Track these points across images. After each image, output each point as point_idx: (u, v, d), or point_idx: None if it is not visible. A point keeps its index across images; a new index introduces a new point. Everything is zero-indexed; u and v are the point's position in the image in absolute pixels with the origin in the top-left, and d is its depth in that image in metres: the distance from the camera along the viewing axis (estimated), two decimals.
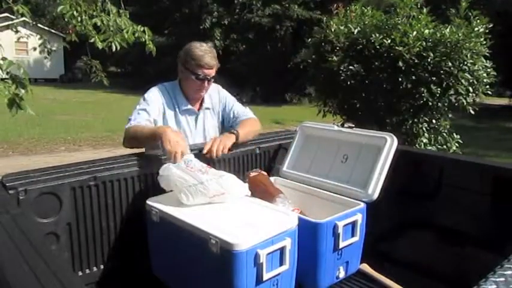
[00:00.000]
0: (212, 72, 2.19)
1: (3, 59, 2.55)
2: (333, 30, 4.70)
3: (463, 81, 4.21)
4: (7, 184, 1.56)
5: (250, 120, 2.30)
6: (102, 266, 1.83)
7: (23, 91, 2.70)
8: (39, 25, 5.47)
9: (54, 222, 1.68)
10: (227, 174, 1.75)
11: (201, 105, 2.30)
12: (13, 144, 8.71)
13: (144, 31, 4.05)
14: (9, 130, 9.62)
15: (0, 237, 1.10)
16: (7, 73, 2.64)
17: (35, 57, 20.60)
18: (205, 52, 2.15)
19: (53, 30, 12.98)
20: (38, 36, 4.68)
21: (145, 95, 2.21)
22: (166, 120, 2.20)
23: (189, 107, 2.25)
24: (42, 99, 14.92)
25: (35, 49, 4.75)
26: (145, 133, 1.98)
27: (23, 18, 4.24)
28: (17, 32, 4.74)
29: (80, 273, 1.78)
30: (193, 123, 2.27)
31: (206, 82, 2.19)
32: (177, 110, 2.23)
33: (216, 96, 2.36)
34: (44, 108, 12.67)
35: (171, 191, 1.76)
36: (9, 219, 1.22)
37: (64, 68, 26.08)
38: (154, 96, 2.21)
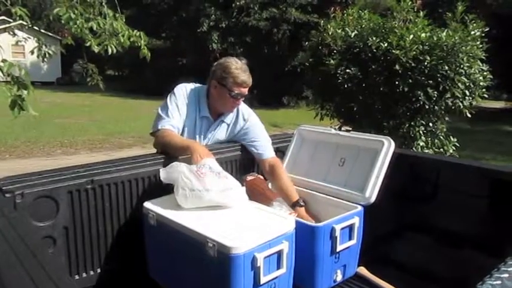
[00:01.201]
0: (246, 91, 2.17)
1: (4, 61, 2.55)
2: (330, 33, 4.71)
3: (459, 84, 4.22)
4: (4, 188, 1.56)
5: (279, 163, 2.22)
6: (99, 270, 1.83)
7: (25, 92, 2.71)
8: (35, 28, 5.46)
9: (51, 226, 1.68)
10: (236, 188, 1.74)
11: (218, 116, 2.27)
12: (10, 148, 8.67)
13: (140, 36, 4.04)
14: (6, 133, 9.58)
15: None
16: (8, 75, 2.64)
17: (31, 60, 20.52)
18: (242, 70, 2.13)
19: (50, 33, 12.96)
20: (36, 40, 4.67)
21: (176, 92, 2.19)
22: (186, 122, 2.19)
23: (208, 115, 2.22)
24: (39, 102, 14.88)
25: (32, 52, 4.74)
26: (178, 146, 1.97)
27: (20, 22, 4.23)
28: (14, 35, 4.73)
29: (77, 277, 1.77)
30: (205, 130, 2.24)
31: (240, 100, 2.17)
32: (197, 113, 2.21)
33: (240, 117, 2.29)
34: (40, 111, 12.58)
35: (170, 193, 1.76)
36: (5, 223, 1.22)
37: (61, 71, 26.02)
38: (184, 94, 2.19)
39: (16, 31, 5.07)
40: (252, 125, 2.28)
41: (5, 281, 0.89)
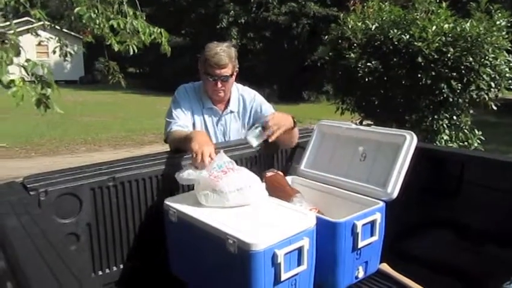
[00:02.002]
0: (225, 72, 2.14)
1: (27, 60, 2.61)
2: (350, 26, 4.65)
3: (484, 76, 4.12)
4: (28, 185, 1.59)
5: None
6: (121, 266, 1.85)
7: (49, 90, 2.77)
8: (57, 28, 5.55)
9: (75, 223, 1.70)
10: (255, 185, 1.73)
11: (226, 107, 2.28)
12: (36, 146, 8.89)
13: (160, 33, 4.07)
14: (31, 132, 9.82)
15: (21, 238, 1.12)
16: (32, 74, 2.70)
17: (55, 60, 20.95)
18: (217, 52, 2.11)
19: (72, 33, 13.17)
20: (57, 40, 4.76)
21: (176, 95, 2.24)
22: (193, 118, 2.22)
23: (213, 106, 2.25)
24: (63, 101, 15.18)
25: (54, 52, 4.84)
26: (182, 138, 1.98)
27: (43, 22, 4.32)
28: (37, 35, 4.83)
29: (100, 273, 1.80)
30: (215, 122, 2.26)
31: (219, 82, 2.15)
32: (202, 108, 2.24)
33: (248, 101, 2.32)
34: (64, 110, 12.84)
35: (190, 190, 1.77)
36: (29, 220, 1.24)
37: (84, 70, 26.49)
38: (184, 95, 2.24)
39: (39, 31, 5.17)
40: (260, 102, 2.33)
41: (29, 279, 0.91)
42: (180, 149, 1.99)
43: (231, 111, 2.29)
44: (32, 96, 2.68)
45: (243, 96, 2.33)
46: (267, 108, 2.34)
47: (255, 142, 1.93)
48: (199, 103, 2.25)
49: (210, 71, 2.14)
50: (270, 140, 1.94)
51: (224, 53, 2.13)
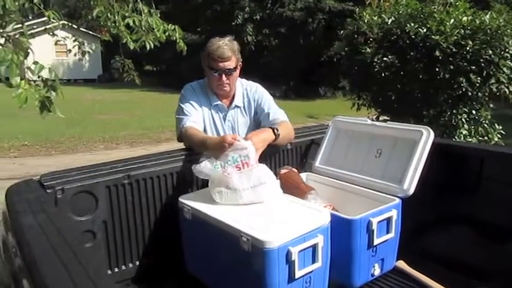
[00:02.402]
0: (229, 65, 2.14)
1: (35, 63, 2.63)
2: (366, 21, 4.60)
3: (504, 69, 4.03)
4: (45, 183, 1.61)
5: (287, 125, 2.20)
6: (137, 263, 1.87)
7: (54, 94, 2.77)
8: (74, 26, 5.65)
9: (91, 220, 1.73)
10: (268, 181, 1.71)
11: (231, 102, 2.29)
12: (55, 144, 9.04)
13: (174, 29, 4.09)
14: (51, 130, 9.99)
15: (37, 236, 1.13)
16: (38, 77, 2.71)
17: (74, 59, 21.29)
18: (219, 45, 2.12)
19: (90, 32, 13.35)
20: (73, 39, 4.82)
21: (184, 93, 2.25)
22: (203, 114, 2.22)
23: (219, 102, 2.25)
24: (81, 100, 15.41)
25: (70, 51, 4.91)
26: (199, 142, 1.96)
27: (62, 22, 4.38)
28: (53, 35, 4.90)
29: (116, 270, 1.82)
30: (223, 119, 2.27)
31: (224, 76, 2.15)
32: (209, 104, 2.25)
33: (251, 94, 2.32)
34: (82, 108, 13.07)
35: (205, 187, 1.77)
36: (45, 218, 1.26)
37: (102, 69, 26.82)
38: (191, 92, 2.25)
39: (57, 31, 5.25)
40: (261, 93, 2.33)
41: (44, 276, 0.92)
42: (196, 149, 1.99)
43: (237, 106, 2.29)
44: (35, 99, 2.69)
45: (247, 91, 2.33)
46: (267, 100, 2.32)
47: None
48: (206, 100, 2.25)
49: (214, 65, 2.14)
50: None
51: (227, 46, 2.13)
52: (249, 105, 2.32)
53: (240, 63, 2.22)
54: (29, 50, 2.68)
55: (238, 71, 2.22)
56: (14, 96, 2.44)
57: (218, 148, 1.76)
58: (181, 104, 2.20)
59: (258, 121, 2.34)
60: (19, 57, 2.43)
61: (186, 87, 2.29)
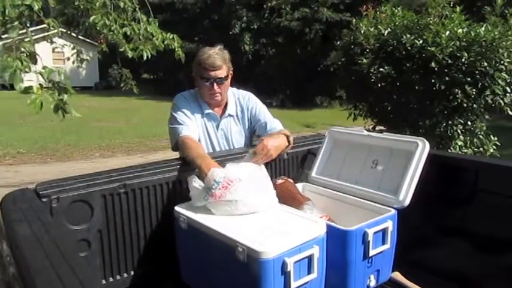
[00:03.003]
0: (220, 74, 2.14)
1: (44, 67, 2.66)
2: (362, 32, 4.62)
3: (499, 81, 4.06)
4: (40, 192, 1.61)
5: (288, 134, 2.19)
6: (132, 272, 1.86)
7: (66, 96, 2.82)
8: (73, 34, 5.65)
9: (86, 229, 1.72)
10: (265, 193, 1.73)
11: (224, 111, 2.29)
12: (51, 151, 9.00)
13: (173, 38, 4.11)
14: (47, 137, 9.96)
15: (32, 246, 1.13)
16: (49, 81, 2.74)
17: (71, 67, 21.26)
18: (210, 54, 2.13)
19: (88, 40, 13.38)
20: (72, 47, 4.84)
21: (176, 103, 2.24)
22: (196, 124, 2.21)
23: (211, 111, 2.25)
24: (78, 107, 15.37)
25: (68, 59, 4.92)
26: (192, 159, 1.92)
27: (61, 29, 4.39)
28: (52, 42, 4.91)
29: (111, 279, 1.81)
30: (215, 128, 2.27)
31: (215, 84, 2.16)
32: (201, 113, 2.25)
33: (244, 103, 2.33)
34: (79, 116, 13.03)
35: None
36: (41, 227, 1.25)
37: (99, 76, 26.81)
38: (184, 101, 2.24)
39: (55, 38, 5.26)
40: (255, 102, 2.34)
41: (37, 284, 0.92)
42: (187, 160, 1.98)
43: (230, 115, 2.29)
44: (50, 103, 2.73)
45: (239, 100, 2.34)
46: (261, 109, 2.34)
47: None
48: (198, 109, 2.25)
49: (205, 74, 2.14)
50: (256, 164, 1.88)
51: (217, 55, 2.14)
52: (242, 114, 2.32)
53: (231, 72, 2.23)
54: (37, 56, 2.72)
55: (229, 80, 2.23)
56: (29, 104, 2.46)
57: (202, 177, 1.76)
58: (174, 113, 2.19)
59: (252, 130, 2.34)
60: (23, 63, 2.45)
61: (178, 96, 2.29)
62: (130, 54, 4.15)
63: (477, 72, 4.03)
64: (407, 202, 1.83)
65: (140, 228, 1.86)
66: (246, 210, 1.68)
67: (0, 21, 2.69)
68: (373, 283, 1.81)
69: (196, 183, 1.74)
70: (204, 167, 1.75)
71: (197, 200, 1.72)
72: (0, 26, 2.72)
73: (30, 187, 1.66)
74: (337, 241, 1.65)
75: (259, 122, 2.29)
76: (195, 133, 2.15)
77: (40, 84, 2.65)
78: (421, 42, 4.16)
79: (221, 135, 2.27)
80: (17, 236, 1.20)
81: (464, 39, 4.07)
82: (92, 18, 3.87)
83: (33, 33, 3.41)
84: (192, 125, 2.16)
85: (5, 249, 1.24)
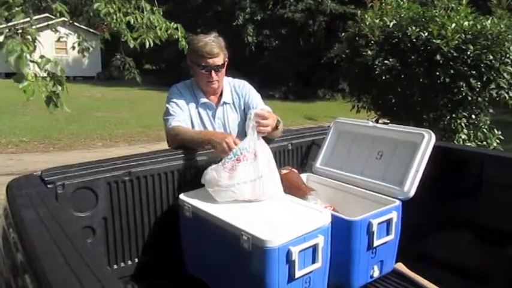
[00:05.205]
0: (217, 61, 2.14)
1: (42, 57, 2.63)
2: (367, 23, 4.59)
3: (505, 74, 4.03)
4: (46, 179, 1.61)
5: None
6: (136, 260, 1.87)
7: (59, 88, 2.78)
8: (76, 24, 5.63)
9: (91, 216, 1.72)
10: (264, 176, 1.71)
11: (219, 99, 2.28)
12: (54, 140, 9.01)
13: (176, 28, 4.09)
14: (50, 126, 9.96)
15: (38, 230, 1.13)
16: (45, 71, 2.72)
17: (73, 56, 21.26)
18: (207, 42, 2.12)
19: (90, 29, 13.36)
20: (76, 35, 4.82)
21: (170, 95, 2.24)
22: (190, 114, 2.21)
23: (206, 100, 2.24)
24: (80, 97, 15.37)
25: (73, 48, 4.91)
26: (196, 141, 1.96)
27: (63, 18, 4.38)
28: (56, 31, 4.89)
29: (115, 267, 1.82)
30: (212, 117, 2.26)
31: (213, 72, 2.15)
32: (196, 103, 2.24)
33: (239, 91, 2.32)
34: (81, 106, 13.04)
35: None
36: (46, 213, 1.25)
37: (101, 66, 26.77)
38: (177, 93, 2.24)
39: (58, 27, 5.24)
40: (249, 88, 2.33)
41: (46, 269, 0.92)
42: (188, 146, 1.99)
43: (226, 103, 2.28)
44: (42, 92, 2.70)
45: (235, 87, 2.33)
46: (255, 96, 2.33)
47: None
48: (193, 99, 2.24)
49: (202, 61, 2.13)
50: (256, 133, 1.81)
51: (214, 42, 2.13)
52: (238, 101, 2.31)
53: (227, 59, 2.22)
54: (37, 43, 2.69)
55: (225, 68, 2.22)
56: (21, 88, 2.43)
57: (220, 150, 1.77)
58: (167, 105, 2.20)
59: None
60: (29, 48, 2.44)
61: (172, 88, 2.28)
62: (132, 44, 4.13)
63: (482, 65, 4.00)
64: (412, 193, 1.83)
65: (145, 217, 1.86)
66: (249, 196, 1.67)
67: (5, 6, 2.66)
68: (376, 273, 1.82)
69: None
70: (217, 137, 1.78)
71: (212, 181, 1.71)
72: (5, 10, 2.70)
73: (35, 173, 1.66)
74: (341, 231, 1.65)
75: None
76: (186, 123, 2.14)
77: (34, 73, 2.63)
78: (426, 34, 4.13)
79: (218, 124, 2.26)
80: (24, 221, 1.20)
81: (470, 32, 4.04)
82: (95, 6, 3.85)
83: (36, 22, 3.40)
84: (183, 116, 2.16)
85: (12, 235, 1.24)
